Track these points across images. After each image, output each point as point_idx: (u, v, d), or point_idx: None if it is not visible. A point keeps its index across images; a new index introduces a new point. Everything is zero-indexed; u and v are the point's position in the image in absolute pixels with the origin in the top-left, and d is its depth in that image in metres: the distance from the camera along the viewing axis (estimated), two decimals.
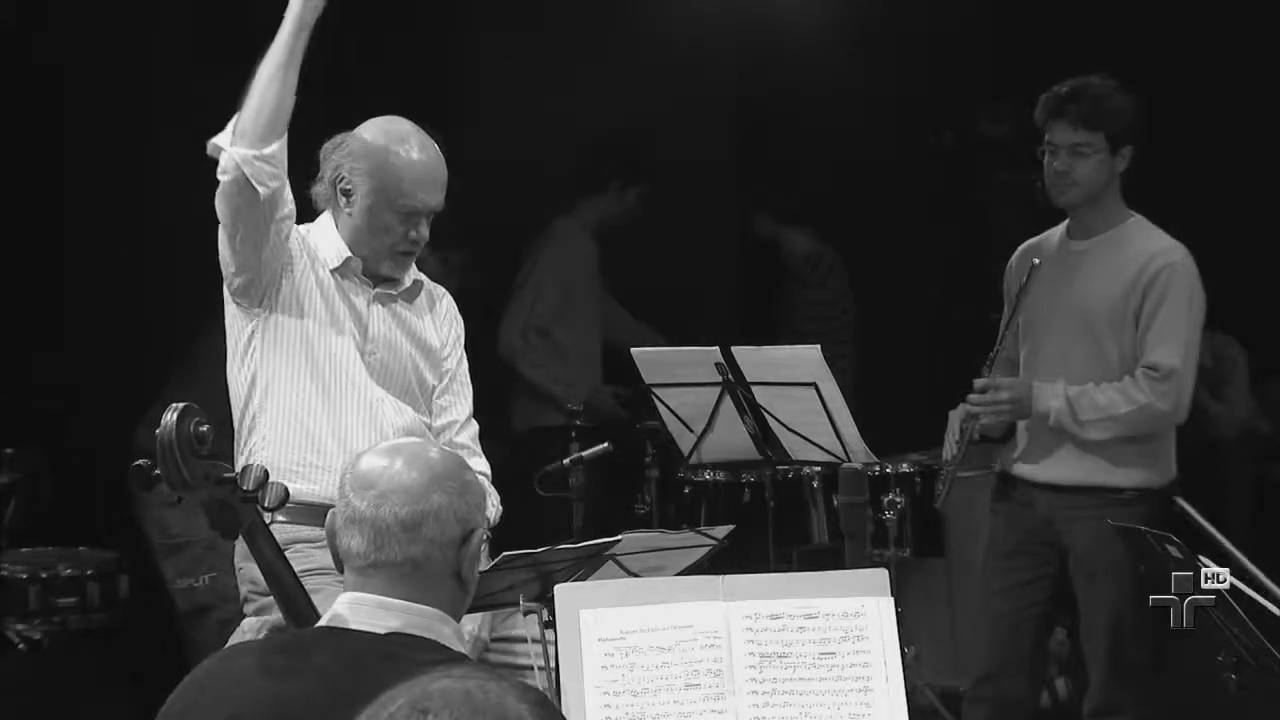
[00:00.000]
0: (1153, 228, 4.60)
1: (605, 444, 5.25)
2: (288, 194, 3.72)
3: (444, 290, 4.08)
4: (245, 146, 3.61)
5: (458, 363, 4.04)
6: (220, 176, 3.66)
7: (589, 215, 6.71)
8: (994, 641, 4.67)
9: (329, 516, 2.65)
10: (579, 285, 6.64)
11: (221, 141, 3.65)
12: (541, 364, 6.56)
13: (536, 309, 6.59)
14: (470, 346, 4.06)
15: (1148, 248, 4.53)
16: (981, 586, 4.79)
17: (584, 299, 6.67)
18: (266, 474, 3.04)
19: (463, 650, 2.63)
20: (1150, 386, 4.46)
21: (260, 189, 3.63)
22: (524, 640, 3.83)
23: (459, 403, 4.03)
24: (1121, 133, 4.51)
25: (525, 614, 3.66)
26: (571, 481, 5.39)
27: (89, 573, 5.52)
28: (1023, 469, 4.65)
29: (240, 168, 3.61)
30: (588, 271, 6.69)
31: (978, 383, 4.56)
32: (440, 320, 4.03)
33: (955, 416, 4.64)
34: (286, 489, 3.10)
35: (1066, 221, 4.68)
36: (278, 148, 3.64)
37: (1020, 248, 4.75)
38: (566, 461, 5.31)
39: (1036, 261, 4.61)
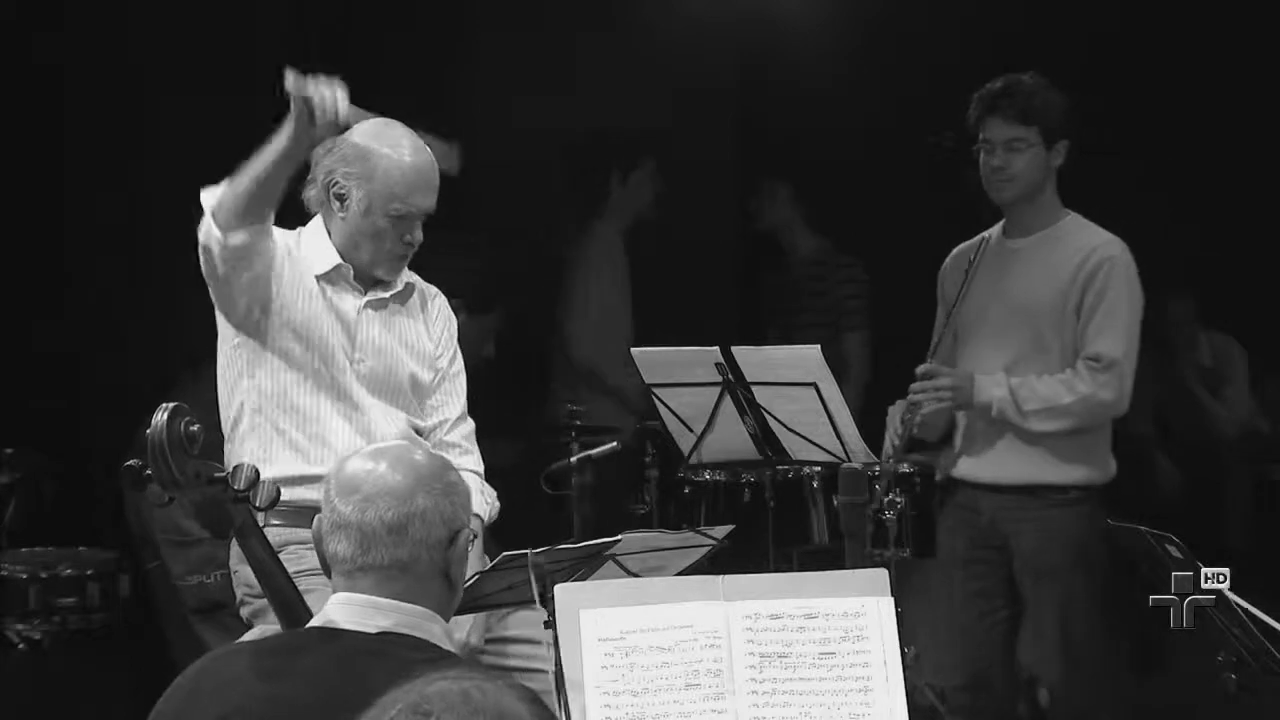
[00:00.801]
0: (1089, 224, 4.61)
1: (614, 443, 5.26)
2: (260, 264, 3.74)
3: (436, 290, 4.08)
4: (219, 228, 3.67)
5: (450, 361, 4.04)
6: (198, 234, 3.70)
7: (617, 215, 6.75)
8: (964, 653, 4.64)
9: (315, 522, 2.65)
10: (617, 287, 6.69)
11: (206, 204, 3.69)
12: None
13: (591, 316, 6.62)
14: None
15: (1086, 242, 4.55)
16: (942, 598, 4.76)
17: (621, 302, 6.72)
18: (258, 473, 3.04)
19: (452, 649, 2.63)
20: (1093, 377, 4.46)
21: (221, 267, 3.70)
22: (517, 641, 3.82)
23: (451, 401, 4.03)
24: (1056, 127, 4.53)
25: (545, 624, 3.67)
26: (574, 479, 5.40)
27: (89, 573, 5.52)
28: (964, 469, 4.64)
29: (209, 247, 3.68)
30: (622, 273, 6.74)
31: (920, 369, 4.57)
32: (433, 321, 4.03)
33: (895, 411, 4.63)
34: (278, 488, 3.11)
35: (1002, 221, 4.69)
36: (244, 239, 3.67)
37: (954, 250, 4.75)
38: (574, 460, 5.31)
39: (987, 236, 4.62)
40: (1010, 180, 4.53)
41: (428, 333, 4.01)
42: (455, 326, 4.10)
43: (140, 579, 5.71)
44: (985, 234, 4.71)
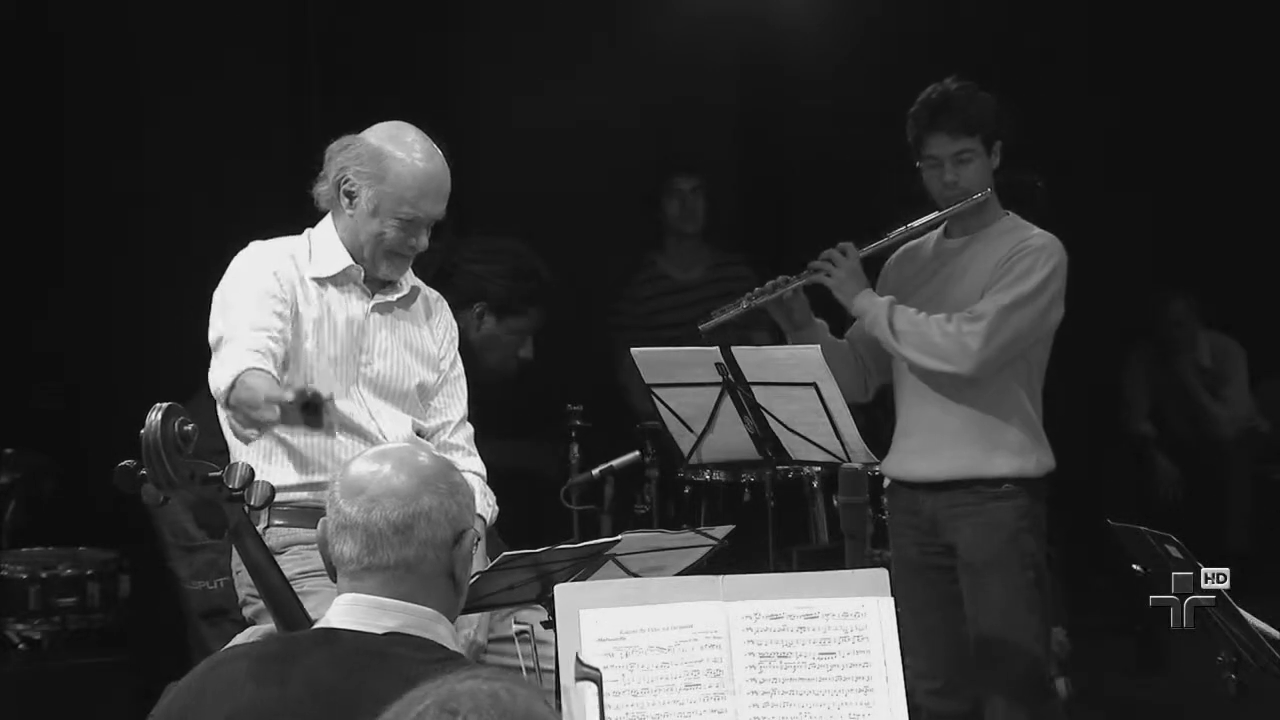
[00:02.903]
0: (1026, 223, 4.61)
1: (635, 452, 5.26)
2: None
3: (439, 294, 4.09)
4: (238, 427, 3.64)
5: (451, 364, 4.04)
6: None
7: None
8: (933, 656, 4.63)
9: (320, 524, 2.65)
10: None
11: (219, 389, 3.62)
12: None
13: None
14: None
15: (1017, 237, 4.54)
16: (903, 604, 4.74)
17: None
18: (252, 472, 3.04)
19: (459, 650, 2.63)
20: (960, 324, 4.45)
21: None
22: (515, 640, 3.81)
23: (453, 404, 4.03)
24: (993, 132, 4.53)
25: (518, 634, 3.66)
26: (606, 491, 5.41)
27: (89, 573, 5.52)
28: (902, 468, 4.63)
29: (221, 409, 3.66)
30: None
31: (843, 244, 4.60)
32: (437, 325, 4.04)
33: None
34: (272, 487, 3.11)
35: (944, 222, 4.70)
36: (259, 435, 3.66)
37: (898, 251, 4.75)
38: (596, 472, 5.31)
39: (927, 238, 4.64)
40: (965, 192, 4.53)
41: (431, 336, 4.01)
42: (457, 330, 4.10)
43: (160, 577, 5.69)
44: (924, 238, 4.71)
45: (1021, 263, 4.49)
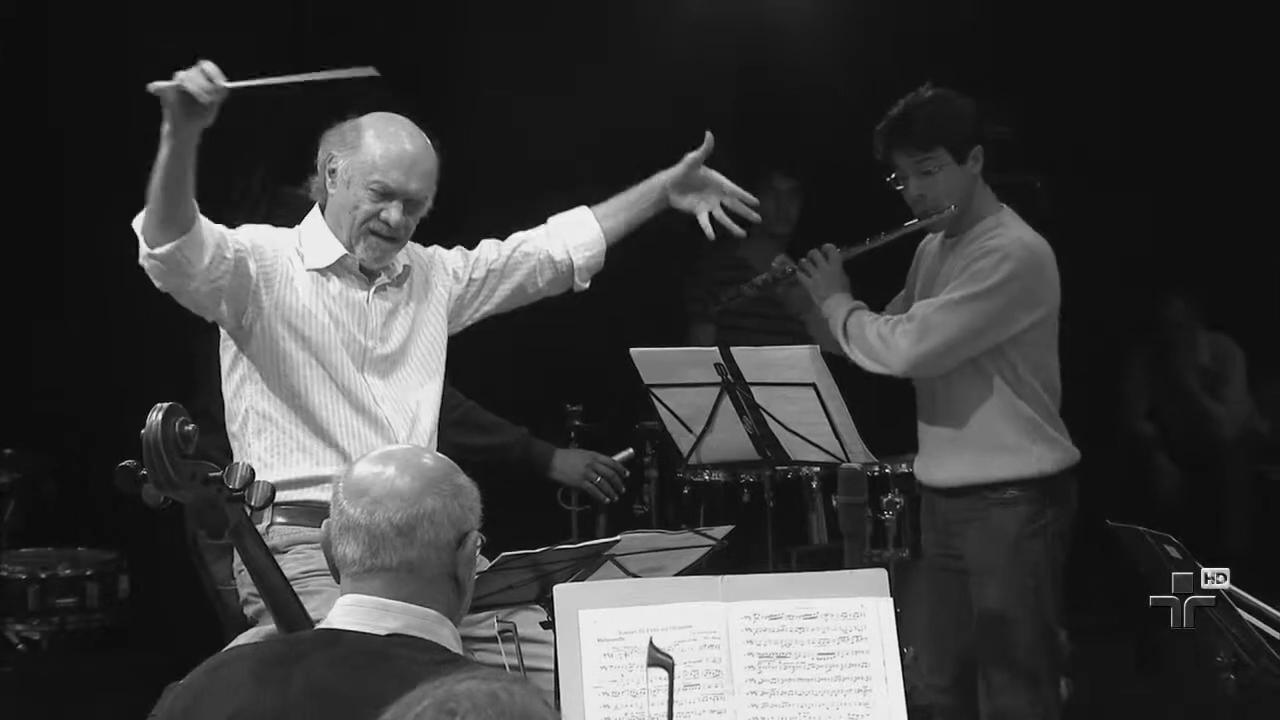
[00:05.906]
0: (1015, 221, 4.56)
1: (629, 450, 5.27)
2: (197, 269, 3.65)
3: (431, 249, 4.08)
4: (146, 244, 3.61)
5: (476, 254, 4.10)
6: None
7: None
8: (942, 654, 4.64)
9: (323, 526, 2.65)
10: None
11: (135, 227, 3.65)
12: None
13: None
14: None
15: (983, 239, 4.51)
16: (919, 600, 4.75)
17: None
18: (253, 472, 3.04)
19: (460, 652, 2.64)
20: (895, 326, 4.47)
21: (158, 283, 3.66)
22: (492, 640, 3.79)
23: (497, 243, 4.14)
24: (962, 141, 4.49)
25: (501, 634, 3.66)
26: (569, 492, 5.41)
27: (89, 573, 5.53)
28: (920, 472, 4.67)
29: (143, 265, 3.64)
30: None
31: (828, 247, 4.67)
32: (441, 276, 4.04)
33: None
34: (273, 487, 3.11)
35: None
36: (168, 249, 3.58)
37: (923, 242, 4.76)
38: None
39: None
40: (935, 203, 4.52)
41: (443, 285, 4.02)
42: (455, 254, 4.11)
43: (156, 576, 5.68)
44: (934, 235, 4.72)
45: (974, 265, 4.46)
